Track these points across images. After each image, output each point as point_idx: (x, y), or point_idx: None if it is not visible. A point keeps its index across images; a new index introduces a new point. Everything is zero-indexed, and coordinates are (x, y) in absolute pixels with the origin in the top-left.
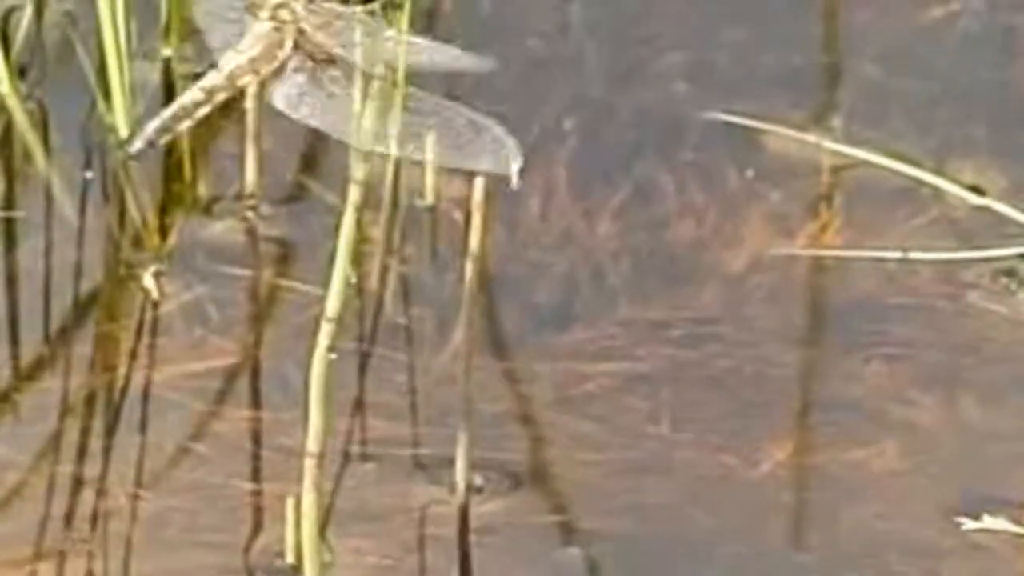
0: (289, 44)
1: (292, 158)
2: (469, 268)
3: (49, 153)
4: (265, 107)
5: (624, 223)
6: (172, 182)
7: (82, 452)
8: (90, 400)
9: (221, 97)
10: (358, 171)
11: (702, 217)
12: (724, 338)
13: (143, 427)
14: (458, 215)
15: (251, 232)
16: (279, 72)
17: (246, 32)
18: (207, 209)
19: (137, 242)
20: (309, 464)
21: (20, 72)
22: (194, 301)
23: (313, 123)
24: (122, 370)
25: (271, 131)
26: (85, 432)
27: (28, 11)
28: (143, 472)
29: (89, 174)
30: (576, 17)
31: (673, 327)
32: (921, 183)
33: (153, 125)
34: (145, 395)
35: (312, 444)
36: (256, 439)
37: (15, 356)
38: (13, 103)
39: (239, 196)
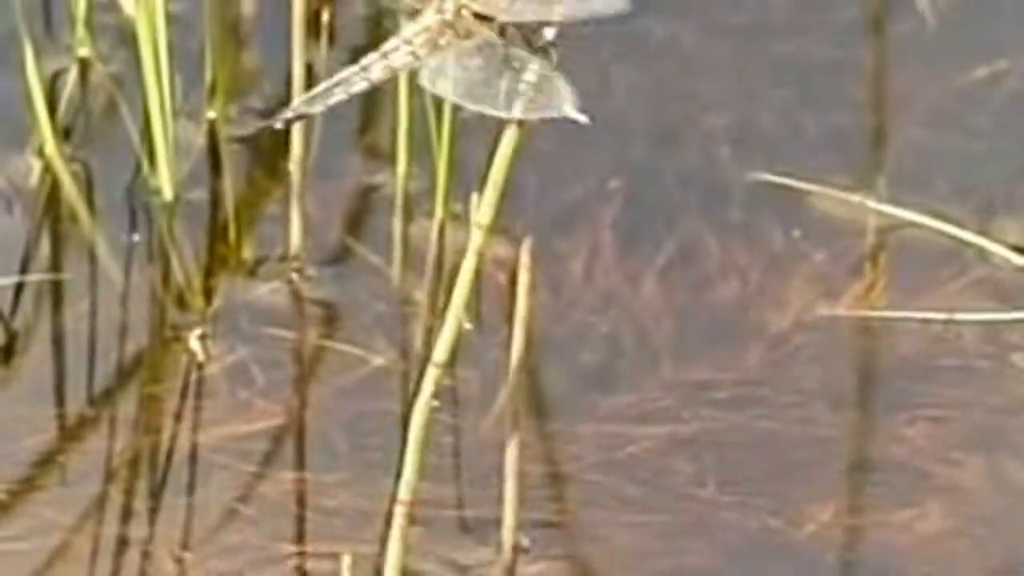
0: (451, 32)
1: (337, 220)
2: (517, 329)
3: (94, 215)
4: (311, 169)
5: (668, 284)
6: (217, 244)
7: (127, 514)
8: (135, 462)
9: (378, 77)
10: (484, 215)
11: (746, 278)
12: (768, 400)
13: (188, 489)
14: (502, 276)
15: (296, 294)
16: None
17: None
18: (252, 271)
19: (182, 304)
20: (399, 512)
21: (65, 134)
22: (239, 363)
23: (451, 95)
24: (167, 432)
25: (315, 193)
26: (130, 494)
27: (73, 73)
28: (188, 534)
29: (136, 236)
30: (619, 78)
31: (717, 388)
32: (965, 244)
33: (307, 95)
34: (190, 457)
35: (404, 492)
36: (301, 501)
37: (61, 418)
38: (58, 165)
39: (284, 258)
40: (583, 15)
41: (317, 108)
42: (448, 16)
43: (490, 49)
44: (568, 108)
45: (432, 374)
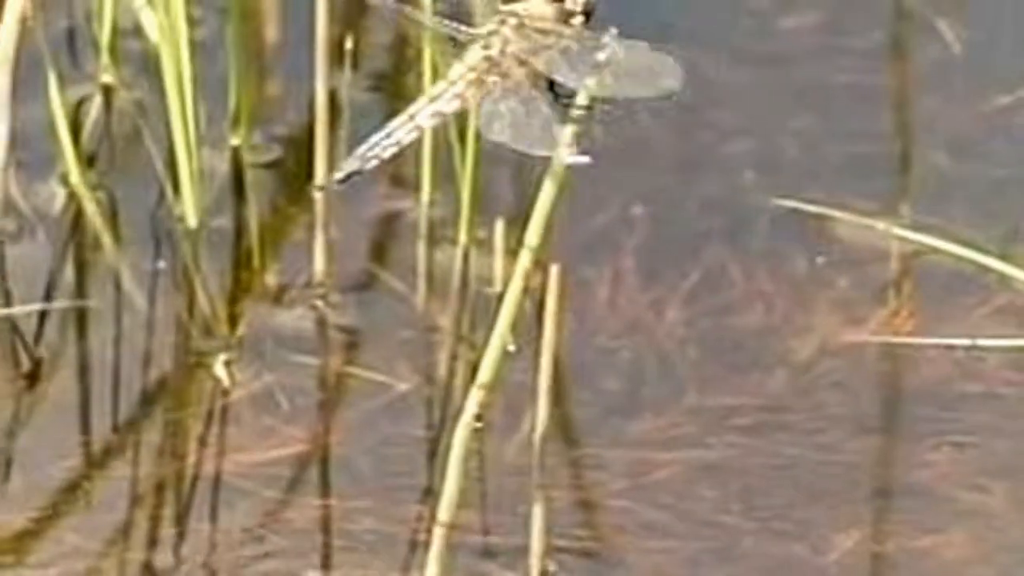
0: (496, 69)
1: (361, 246)
2: (545, 354)
3: (118, 242)
4: (334, 195)
5: (692, 311)
6: (241, 270)
7: (152, 540)
8: (160, 488)
9: (429, 124)
10: (533, 236)
11: (770, 304)
12: (792, 426)
13: (213, 515)
14: (527, 303)
15: (320, 320)
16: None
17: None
18: (276, 297)
19: (207, 331)
20: (438, 533)
21: (89, 161)
22: (264, 389)
23: (501, 137)
24: (192, 458)
25: (340, 219)
26: (155, 520)
27: (97, 100)
28: (213, 560)
29: (161, 264)
30: (642, 105)
31: (742, 415)
32: (988, 270)
33: (360, 151)
34: (215, 483)
35: (443, 514)
36: (326, 526)
37: (86, 444)
38: (83, 192)
39: (308, 284)
40: (634, 95)
41: (370, 163)
42: (494, 54)
43: (540, 92)
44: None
45: (476, 396)
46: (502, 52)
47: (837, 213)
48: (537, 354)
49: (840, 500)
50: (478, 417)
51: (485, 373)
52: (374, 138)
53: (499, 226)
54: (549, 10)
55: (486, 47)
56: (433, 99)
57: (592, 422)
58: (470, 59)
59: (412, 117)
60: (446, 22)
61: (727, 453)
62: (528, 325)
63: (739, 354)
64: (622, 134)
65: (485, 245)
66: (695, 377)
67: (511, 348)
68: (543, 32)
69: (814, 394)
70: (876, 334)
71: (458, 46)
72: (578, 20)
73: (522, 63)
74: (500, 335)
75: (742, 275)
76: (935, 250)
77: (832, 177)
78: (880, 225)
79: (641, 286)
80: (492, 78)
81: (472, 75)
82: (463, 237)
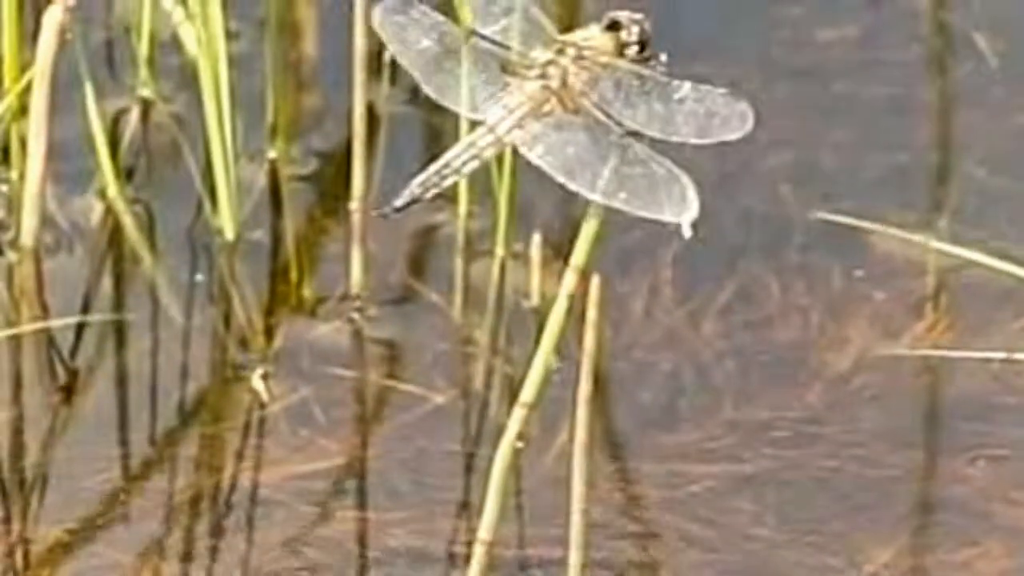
0: (554, 98)
1: (398, 259)
2: (585, 365)
3: (156, 255)
4: (371, 208)
5: (728, 323)
6: (278, 283)
7: (188, 553)
8: (197, 501)
9: (489, 154)
10: (580, 255)
11: (807, 317)
12: (829, 439)
13: (249, 528)
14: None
15: (357, 333)
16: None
17: (512, 91)
18: (313, 310)
19: (244, 343)
20: (479, 552)
21: (127, 175)
22: (300, 402)
23: (542, 163)
24: (228, 471)
25: (377, 232)
26: (191, 533)
27: (135, 114)
28: (249, 573)
29: (200, 277)
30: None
31: (778, 428)
32: None
33: (419, 180)
34: (251, 496)
35: (484, 532)
36: (362, 540)
37: (123, 456)
38: (120, 206)
39: (345, 297)
40: (705, 139)
41: (430, 193)
42: (553, 84)
43: (599, 129)
44: (685, 218)
45: (518, 415)
46: (563, 83)
47: (874, 226)
48: (575, 366)
49: (877, 513)
50: (520, 436)
51: (528, 392)
52: (433, 167)
53: (536, 239)
54: (608, 41)
55: (543, 76)
56: (492, 128)
57: (630, 434)
58: (529, 89)
59: (472, 144)
60: (491, 45)
61: (764, 466)
62: (566, 337)
63: (776, 367)
64: (658, 147)
65: (522, 258)
66: (732, 390)
67: (555, 366)
68: (603, 65)
69: (850, 407)
70: (913, 347)
71: (507, 71)
72: (633, 51)
73: (583, 94)
74: (544, 354)
75: (779, 288)
76: (972, 263)
77: (869, 190)
78: (917, 238)
79: (678, 298)
80: (549, 107)
81: (531, 104)
82: (500, 250)
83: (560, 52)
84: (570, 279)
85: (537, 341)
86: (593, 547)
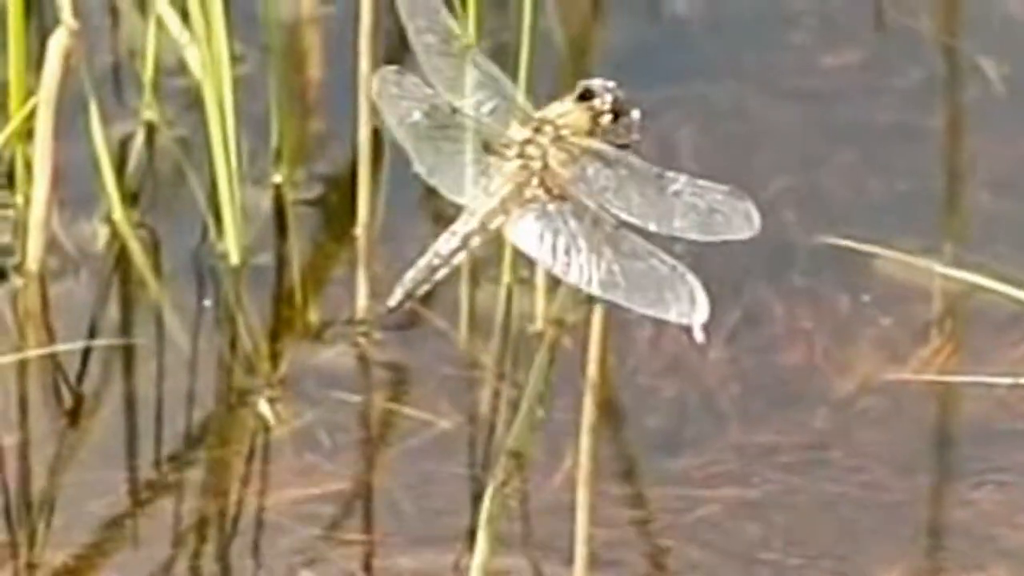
0: (536, 181)
1: None
2: (588, 394)
3: (161, 280)
4: (376, 232)
5: (734, 348)
6: (284, 308)
7: None
8: (202, 526)
9: (476, 241)
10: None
11: (812, 342)
12: (834, 463)
13: (255, 553)
14: (568, 341)
15: (362, 357)
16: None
17: (493, 173)
18: (319, 335)
19: (249, 368)
20: None
21: (132, 199)
22: (306, 426)
23: (533, 254)
24: (234, 495)
25: (382, 256)
26: (197, 558)
27: (140, 137)
28: None
29: (207, 302)
30: (684, 142)
31: (783, 452)
32: None
33: (410, 276)
34: (257, 520)
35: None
36: (368, 564)
37: (129, 482)
38: (125, 230)
39: (350, 321)
40: (708, 237)
41: (423, 288)
42: (534, 165)
43: (590, 218)
44: (696, 320)
45: (504, 463)
46: (545, 165)
47: (880, 251)
48: (579, 391)
49: (882, 538)
50: (505, 482)
51: (515, 440)
52: (423, 260)
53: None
54: (584, 113)
55: (522, 155)
56: (472, 214)
57: (635, 459)
58: (508, 170)
59: (455, 234)
60: (472, 122)
61: (769, 490)
62: (571, 362)
63: (781, 391)
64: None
65: (527, 283)
66: (737, 414)
67: (541, 414)
68: (583, 148)
69: (856, 432)
70: (918, 372)
71: (488, 150)
72: (607, 119)
73: (564, 177)
74: (529, 403)
75: (784, 312)
76: (977, 288)
77: (874, 215)
78: (922, 263)
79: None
80: (531, 191)
81: (511, 187)
82: (506, 275)
83: (537, 131)
84: (551, 332)
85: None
86: (598, 571)
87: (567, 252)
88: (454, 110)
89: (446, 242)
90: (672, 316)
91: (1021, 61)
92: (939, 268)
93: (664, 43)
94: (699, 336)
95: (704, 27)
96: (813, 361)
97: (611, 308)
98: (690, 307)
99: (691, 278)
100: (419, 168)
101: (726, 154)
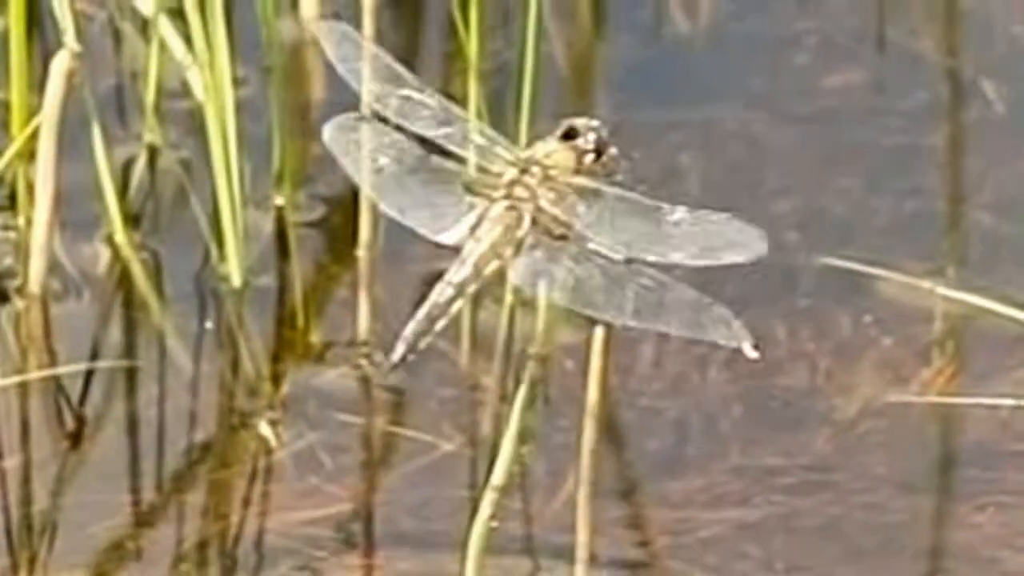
0: (527, 221)
1: (405, 305)
2: (588, 416)
3: (163, 302)
4: (378, 254)
5: (736, 369)
6: (285, 329)
7: None
8: (204, 547)
9: (472, 288)
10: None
11: (814, 363)
12: (837, 485)
13: (256, 574)
14: (570, 362)
15: (364, 379)
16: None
17: (480, 217)
18: (320, 356)
19: (251, 390)
20: None
21: (134, 221)
22: (307, 448)
23: (555, 298)
24: (236, 517)
25: (384, 278)
26: None
27: (142, 160)
28: None
29: (208, 324)
30: (689, 164)
31: (786, 474)
32: None
33: (410, 329)
34: (258, 542)
35: None
36: None
37: (131, 503)
38: (127, 252)
39: (352, 343)
40: (709, 262)
41: (424, 341)
42: (525, 206)
43: (601, 258)
44: (745, 346)
45: (489, 498)
46: (537, 207)
47: (882, 272)
48: (581, 411)
49: (884, 560)
50: (493, 516)
51: (499, 476)
52: (421, 312)
53: (543, 286)
54: (569, 153)
55: (509, 196)
56: (463, 262)
57: (635, 481)
58: (495, 212)
59: (451, 284)
60: (449, 162)
61: (771, 512)
62: (572, 382)
63: (783, 413)
64: (667, 193)
65: (529, 305)
66: (739, 436)
67: (526, 451)
68: (572, 187)
69: (858, 454)
70: (921, 394)
71: (470, 190)
72: (589, 158)
73: (555, 219)
74: (511, 442)
75: (787, 334)
76: (980, 310)
77: (877, 236)
78: (925, 284)
79: (685, 344)
80: (522, 230)
81: (500, 229)
82: (508, 296)
83: (523, 172)
84: (532, 367)
85: (544, 388)
86: None
87: (598, 293)
88: (431, 153)
89: (441, 292)
90: (719, 339)
91: (1022, 82)
92: (941, 290)
93: (666, 65)
94: (753, 354)
95: (706, 49)
96: (815, 382)
97: (612, 330)
98: (728, 330)
99: (720, 308)
100: (387, 209)
101: (728, 175)
